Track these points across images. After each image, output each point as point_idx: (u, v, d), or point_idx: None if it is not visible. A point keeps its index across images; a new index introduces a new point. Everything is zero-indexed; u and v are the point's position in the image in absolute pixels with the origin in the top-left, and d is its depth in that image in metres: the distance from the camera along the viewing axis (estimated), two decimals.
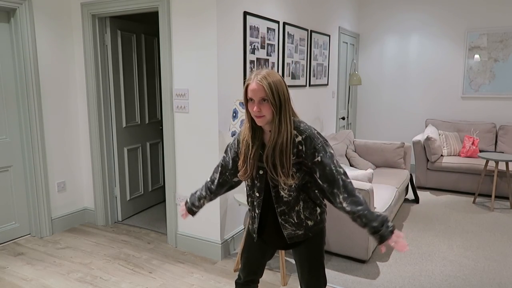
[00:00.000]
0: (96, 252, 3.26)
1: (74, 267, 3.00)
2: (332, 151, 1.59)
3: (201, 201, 1.89)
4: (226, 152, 1.80)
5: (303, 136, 1.56)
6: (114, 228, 3.80)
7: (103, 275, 2.87)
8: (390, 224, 1.56)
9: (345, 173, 1.58)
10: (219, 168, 1.82)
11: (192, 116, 3.09)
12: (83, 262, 3.08)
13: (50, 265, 3.04)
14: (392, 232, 1.55)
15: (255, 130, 1.63)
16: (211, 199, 1.90)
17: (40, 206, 3.53)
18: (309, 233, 1.70)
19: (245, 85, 1.58)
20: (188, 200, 1.92)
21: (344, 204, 1.55)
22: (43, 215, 3.55)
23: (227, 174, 1.80)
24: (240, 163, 1.68)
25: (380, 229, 1.53)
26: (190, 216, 1.92)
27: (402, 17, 5.88)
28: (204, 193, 1.88)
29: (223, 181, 1.83)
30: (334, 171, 1.55)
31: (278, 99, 1.53)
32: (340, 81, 5.57)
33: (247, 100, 1.58)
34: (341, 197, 1.55)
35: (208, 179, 1.88)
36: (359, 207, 1.54)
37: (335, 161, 1.56)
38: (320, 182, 1.58)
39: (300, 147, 1.55)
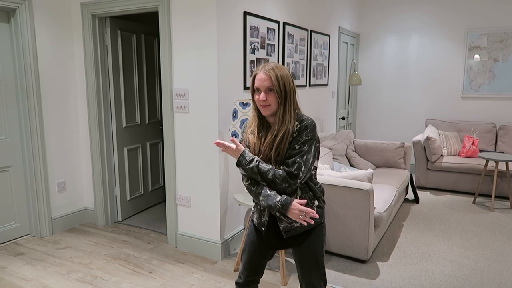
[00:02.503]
0: (96, 252, 3.26)
1: (74, 267, 3.00)
2: (311, 149, 1.63)
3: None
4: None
5: (301, 124, 1.62)
6: (114, 228, 3.80)
7: (103, 275, 2.87)
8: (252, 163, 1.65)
9: (302, 171, 1.59)
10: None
11: (192, 116, 3.09)
12: (83, 262, 3.08)
13: (50, 265, 3.04)
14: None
15: (262, 120, 1.70)
16: None
17: (40, 206, 3.53)
18: (305, 226, 1.71)
19: (253, 75, 1.65)
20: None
21: (278, 169, 1.61)
22: (43, 215, 3.55)
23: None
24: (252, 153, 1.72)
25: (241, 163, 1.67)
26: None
27: (402, 17, 5.88)
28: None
29: None
30: (295, 162, 1.59)
31: (283, 90, 1.60)
32: (340, 81, 5.57)
33: (254, 90, 1.65)
34: (281, 171, 1.61)
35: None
36: (269, 176, 1.61)
37: (304, 157, 1.60)
38: (286, 153, 1.62)
39: (294, 135, 1.61)
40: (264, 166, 1.63)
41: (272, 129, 1.64)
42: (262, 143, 1.67)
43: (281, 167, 1.63)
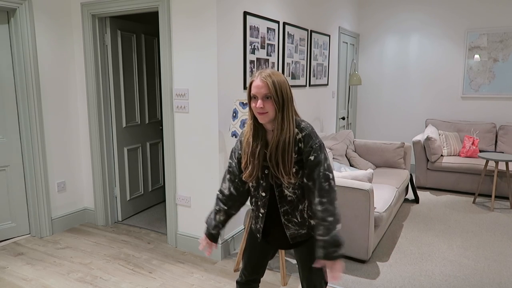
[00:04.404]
0: (96, 252, 3.26)
1: (74, 267, 3.00)
2: (326, 154, 1.60)
3: (217, 217, 1.74)
4: (231, 157, 1.75)
5: (303, 134, 1.58)
6: (114, 228, 3.80)
7: (103, 275, 2.87)
8: (340, 251, 1.55)
9: (332, 178, 1.58)
10: (227, 175, 1.75)
11: (192, 116, 3.09)
12: (83, 262, 3.08)
13: (50, 265, 3.04)
14: (336, 258, 1.54)
15: (258, 129, 1.64)
16: (227, 214, 1.76)
17: (40, 206, 3.53)
18: (311, 232, 1.71)
19: (249, 82, 1.61)
20: (205, 227, 1.77)
21: (319, 207, 1.55)
22: (43, 215, 3.55)
23: (236, 181, 1.73)
24: (243, 164, 1.67)
25: (329, 249, 1.53)
26: (214, 247, 1.77)
27: (402, 17, 5.88)
28: (217, 207, 1.75)
29: (235, 189, 1.73)
30: (321, 174, 1.56)
31: (281, 97, 1.56)
32: (340, 81, 5.57)
33: (250, 98, 1.61)
34: (317, 200, 1.56)
35: (218, 192, 1.77)
36: (330, 218, 1.54)
37: (326, 165, 1.57)
38: (305, 180, 1.59)
39: (300, 144, 1.58)
40: (327, 224, 1.54)
41: (272, 139, 1.59)
42: (257, 154, 1.62)
43: (315, 193, 1.56)
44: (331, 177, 1.57)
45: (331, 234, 1.54)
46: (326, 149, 4.03)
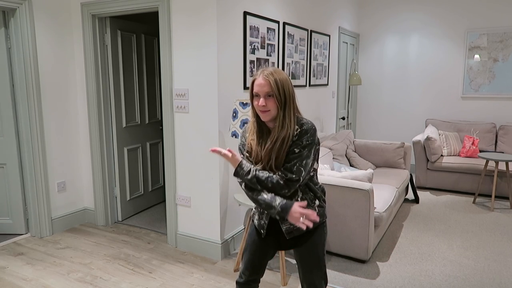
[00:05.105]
0: (96, 252, 3.26)
1: (74, 267, 3.00)
2: (310, 154, 1.61)
3: (269, 196, 1.65)
4: (241, 153, 1.78)
5: (301, 129, 1.60)
6: (114, 228, 3.80)
7: (103, 275, 2.87)
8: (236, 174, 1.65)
9: (301, 178, 1.59)
10: None
11: (192, 116, 3.09)
12: (83, 262, 3.08)
13: (50, 265, 3.04)
14: (236, 173, 1.66)
15: (261, 126, 1.67)
16: None
17: (40, 206, 3.53)
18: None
19: (252, 80, 1.63)
20: (281, 211, 1.61)
21: (279, 177, 1.59)
22: (43, 215, 3.55)
23: None
24: (252, 160, 1.70)
25: (241, 171, 1.64)
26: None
27: (402, 17, 5.88)
28: (259, 189, 1.68)
29: None
30: (295, 168, 1.58)
31: (283, 95, 1.58)
32: (340, 81, 5.57)
33: (252, 96, 1.63)
34: (280, 174, 1.60)
35: (243, 188, 1.73)
36: (269, 185, 1.60)
37: (304, 162, 1.59)
38: (286, 157, 1.61)
39: (295, 138, 1.60)
40: (262, 175, 1.61)
41: (272, 135, 1.62)
42: (262, 150, 1.65)
43: (279, 173, 1.61)
44: (302, 175, 1.58)
45: (251, 176, 1.61)
46: (326, 149, 4.04)
